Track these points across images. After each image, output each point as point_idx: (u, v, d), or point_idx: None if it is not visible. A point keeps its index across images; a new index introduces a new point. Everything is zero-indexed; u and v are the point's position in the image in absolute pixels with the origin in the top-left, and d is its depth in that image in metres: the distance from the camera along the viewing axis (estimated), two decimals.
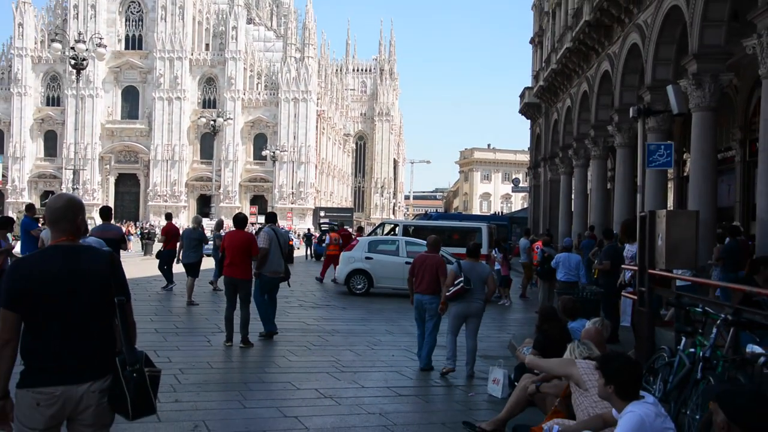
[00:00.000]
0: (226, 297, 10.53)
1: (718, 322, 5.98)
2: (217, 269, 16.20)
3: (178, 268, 15.82)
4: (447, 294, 8.77)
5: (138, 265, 25.52)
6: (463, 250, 10.48)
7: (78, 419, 3.25)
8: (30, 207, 15.42)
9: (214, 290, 16.87)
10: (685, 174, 21.87)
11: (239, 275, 10.26)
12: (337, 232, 24.80)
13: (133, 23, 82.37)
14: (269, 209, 76.31)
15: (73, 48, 26.94)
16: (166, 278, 16.98)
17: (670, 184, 24.50)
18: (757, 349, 5.02)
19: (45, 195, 78.27)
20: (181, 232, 17.55)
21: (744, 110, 20.45)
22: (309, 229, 46.56)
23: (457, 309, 8.86)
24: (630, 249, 11.07)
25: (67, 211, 3.41)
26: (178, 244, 16.07)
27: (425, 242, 18.49)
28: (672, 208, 22.09)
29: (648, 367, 6.97)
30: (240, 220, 10.96)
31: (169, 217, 18.64)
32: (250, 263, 10.38)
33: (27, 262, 3.43)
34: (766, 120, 11.73)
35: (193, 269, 15.07)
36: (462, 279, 8.72)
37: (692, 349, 6.24)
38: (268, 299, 10.91)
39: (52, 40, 58.44)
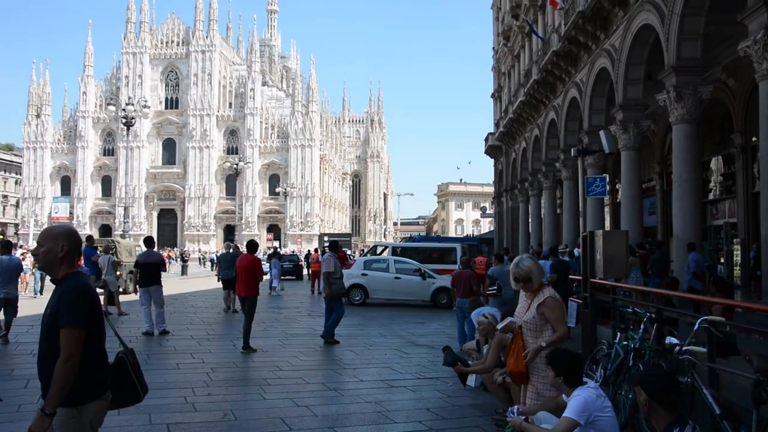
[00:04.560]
0: (242, 311, 10.31)
1: (645, 319, 6.01)
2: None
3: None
4: (487, 293, 10.31)
5: (178, 283, 25.42)
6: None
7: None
8: (90, 238, 14.94)
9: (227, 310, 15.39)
10: (618, 200, 22.05)
11: (244, 293, 10.02)
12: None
13: (171, 88, 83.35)
14: (282, 236, 76.26)
15: (124, 109, 27.28)
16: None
17: (607, 209, 24.69)
18: (674, 341, 5.07)
19: (103, 228, 79.49)
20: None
21: (661, 149, 20.71)
22: (309, 251, 41.44)
23: (496, 302, 10.22)
24: None
25: (80, 241, 3.23)
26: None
27: (411, 260, 18.60)
28: (608, 229, 22.23)
29: (591, 357, 6.96)
30: (250, 245, 10.53)
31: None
32: (255, 282, 10.07)
33: (91, 285, 3.19)
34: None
35: (229, 283, 14.74)
36: (495, 287, 10.25)
37: (625, 342, 6.21)
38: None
39: (108, 104, 59.17)
